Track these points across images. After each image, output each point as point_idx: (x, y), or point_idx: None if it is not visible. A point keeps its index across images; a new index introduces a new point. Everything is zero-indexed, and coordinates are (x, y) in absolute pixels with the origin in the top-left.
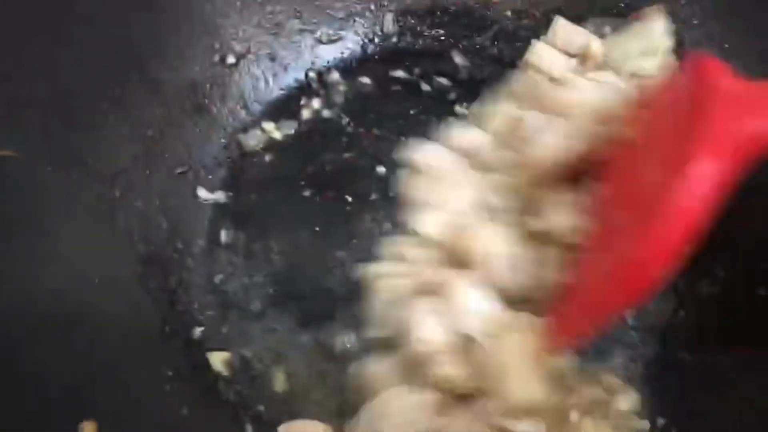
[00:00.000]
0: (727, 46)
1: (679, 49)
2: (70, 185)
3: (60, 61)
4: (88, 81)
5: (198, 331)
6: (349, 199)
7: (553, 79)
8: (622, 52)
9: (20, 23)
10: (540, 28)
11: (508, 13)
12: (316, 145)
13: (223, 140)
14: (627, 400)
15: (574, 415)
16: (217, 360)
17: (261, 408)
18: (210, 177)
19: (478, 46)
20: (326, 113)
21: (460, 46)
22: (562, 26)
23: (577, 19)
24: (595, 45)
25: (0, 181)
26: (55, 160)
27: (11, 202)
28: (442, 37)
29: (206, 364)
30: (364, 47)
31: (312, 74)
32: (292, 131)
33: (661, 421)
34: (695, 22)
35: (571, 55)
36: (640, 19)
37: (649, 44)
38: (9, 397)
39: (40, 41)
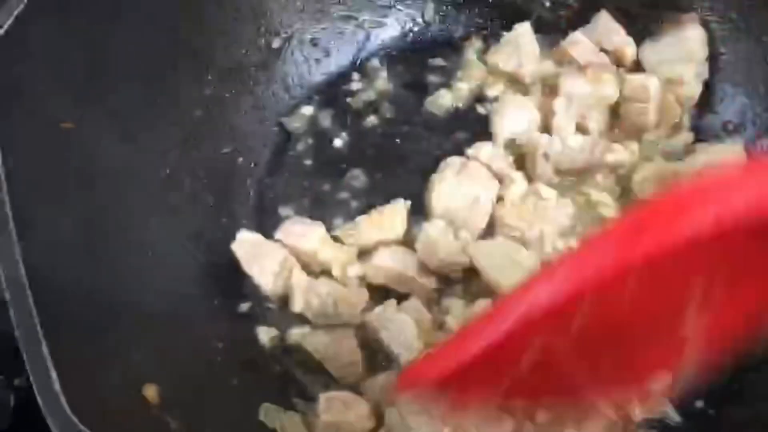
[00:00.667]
0: (765, 39)
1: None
2: (123, 161)
3: (112, 41)
4: (139, 61)
5: (245, 306)
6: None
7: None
8: (659, 57)
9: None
10: (577, 20)
11: (547, 3)
12: (358, 130)
13: (267, 122)
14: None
15: None
16: (265, 335)
17: (307, 381)
18: (254, 157)
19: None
20: (367, 99)
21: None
22: (604, 21)
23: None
24: (630, 49)
25: (61, 153)
26: (110, 136)
27: (70, 174)
28: (482, 27)
29: (254, 338)
30: (404, 35)
31: (354, 60)
32: (334, 116)
33: (699, 404)
34: (733, 16)
35: (604, 51)
36: (678, 25)
37: (686, 51)
38: (79, 367)
39: (96, 24)
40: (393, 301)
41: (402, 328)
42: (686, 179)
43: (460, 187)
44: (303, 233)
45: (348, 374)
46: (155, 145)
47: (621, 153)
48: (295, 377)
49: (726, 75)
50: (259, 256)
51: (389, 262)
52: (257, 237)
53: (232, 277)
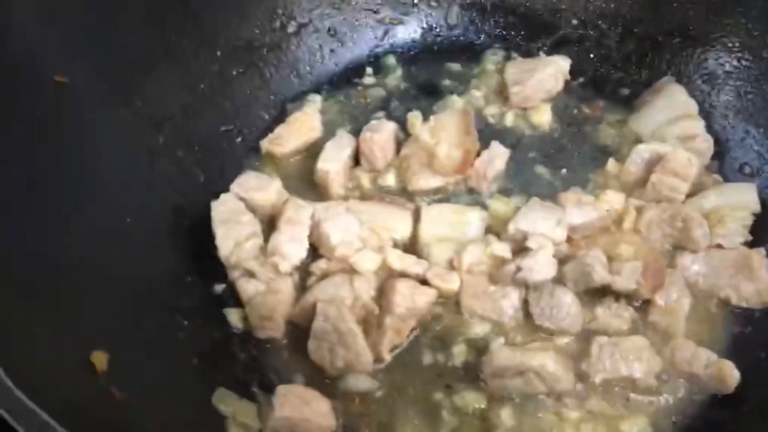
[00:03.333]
0: None
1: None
2: (116, 123)
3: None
4: (145, 23)
5: (219, 288)
6: None
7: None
8: (653, 125)
9: None
10: (603, 39)
11: (574, 21)
12: (363, 124)
13: (271, 105)
14: (632, 423)
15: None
16: (235, 316)
17: (269, 370)
18: (253, 139)
19: (538, 50)
20: (377, 95)
21: (521, 47)
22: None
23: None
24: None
25: (52, 107)
26: (105, 96)
27: (58, 130)
28: (505, 37)
29: (223, 321)
30: (424, 35)
31: (369, 54)
32: (339, 107)
33: None
34: (766, 55)
35: None
36: (657, 92)
37: (679, 109)
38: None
39: None
40: (342, 202)
41: (346, 223)
42: (694, 219)
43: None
44: (259, 186)
45: (265, 327)
46: (152, 112)
47: None
48: (261, 366)
49: (749, 115)
50: (231, 222)
51: None
52: (239, 205)
53: (211, 257)
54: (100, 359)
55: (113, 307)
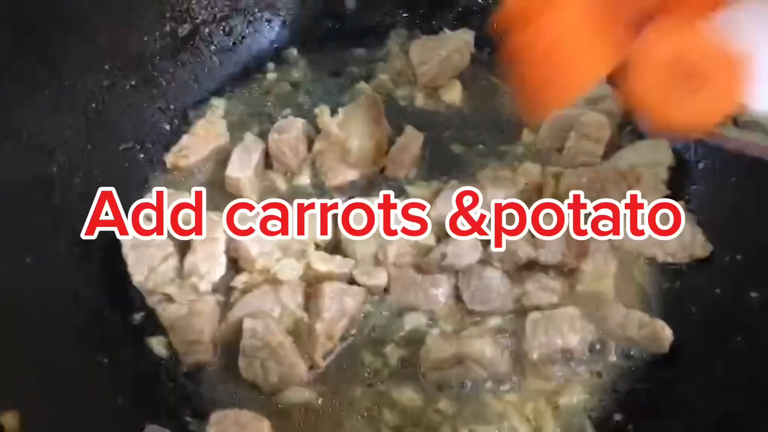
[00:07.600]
0: None
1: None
2: (2, 157)
3: None
4: (21, 43)
5: (138, 316)
6: None
7: None
8: None
9: None
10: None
11: None
12: (272, 123)
13: (172, 115)
14: (571, 395)
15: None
16: (159, 345)
17: (202, 396)
18: (157, 153)
19: (441, 26)
20: (282, 90)
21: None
22: None
23: None
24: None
25: None
26: None
27: None
28: (406, 15)
29: (146, 351)
30: (324, 23)
31: (269, 49)
32: (244, 108)
33: (617, 417)
34: None
35: None
36: None
37: None
38: None
39: None
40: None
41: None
42: (611, 181)
43: None
44: (168, 204)
45: (192, 351)
46: (41, 141)
47: None
48: (192, 393)
49: None
50: (142, 246)
51: None
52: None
53: (126, 286)
54: (10, 421)
55: (22, 359)
